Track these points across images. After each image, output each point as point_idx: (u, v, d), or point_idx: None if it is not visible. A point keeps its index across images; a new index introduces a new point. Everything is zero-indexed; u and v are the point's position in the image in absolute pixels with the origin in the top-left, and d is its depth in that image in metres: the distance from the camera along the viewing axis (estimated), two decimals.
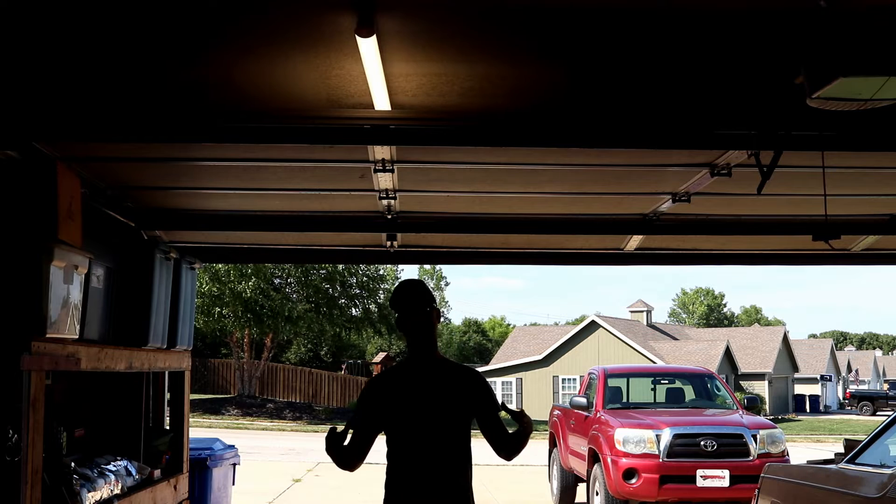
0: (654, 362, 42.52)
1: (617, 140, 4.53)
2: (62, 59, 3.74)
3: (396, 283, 3.87)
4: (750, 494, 8.39)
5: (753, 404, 12.68)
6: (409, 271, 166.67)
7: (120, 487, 5.77)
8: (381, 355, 53.29)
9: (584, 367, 39.30)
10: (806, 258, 8.01)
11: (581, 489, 12.69)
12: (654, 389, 14.22)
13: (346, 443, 3.78)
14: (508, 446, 3.87)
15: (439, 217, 6.57)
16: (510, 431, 3.89)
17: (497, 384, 47.55)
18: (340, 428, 3.82)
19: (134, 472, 6.15)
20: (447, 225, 6.66)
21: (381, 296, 39.16)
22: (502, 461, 4.12)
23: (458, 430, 3.78)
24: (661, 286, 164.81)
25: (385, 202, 5.95)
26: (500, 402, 3.88)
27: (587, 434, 11.48)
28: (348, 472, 3.90)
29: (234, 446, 9.15)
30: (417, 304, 3.82)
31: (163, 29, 3.50)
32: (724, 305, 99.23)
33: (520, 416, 3.88)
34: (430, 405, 3.75)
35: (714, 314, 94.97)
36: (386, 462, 3.81)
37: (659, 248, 7.57)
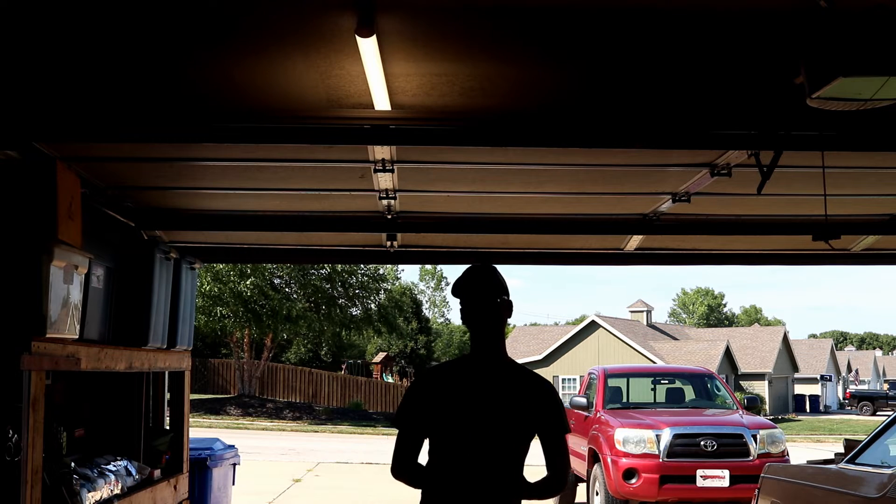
0: (654, 362, 42.53)
1: (617, 140, 4.53)
2: (62, 59, 3.74)
3: (465, 269, 3.50)
4: (750, 494, 8.39)
5: (753, 404, 12.69)
6: (409, 271, 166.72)
7: (120, 487, 5.77)
8: (381, 355, 53.36)
9: (584, 367, 39.32)
10: (806, 258, 8.01)
11: (581, 489, 12.69)
12: (654, 389, 14.24)
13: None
14: (554, 472, 3.36)
15: (439, 217, 6.56)
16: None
17: None
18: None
19: (134, 472, 6.15)
20: (447, 225, 6.66)
21: (382, 295, 39.19)
22: None
23: (514, 446, 3.28)
24: (661, 286, 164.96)
25: (385, 202, 5.95)
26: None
27: (587, 434, 11.48)
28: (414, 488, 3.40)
29: (234, 446, 9.15)
30: (484, 293, 3.34)
31: (163, 29, 3.50)
32: (724, 305, 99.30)
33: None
34: (486, 412, 3.25)
35: (714, 314, 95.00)
36: (427, 464, 3.38)
37: (659, 248, 7.57)
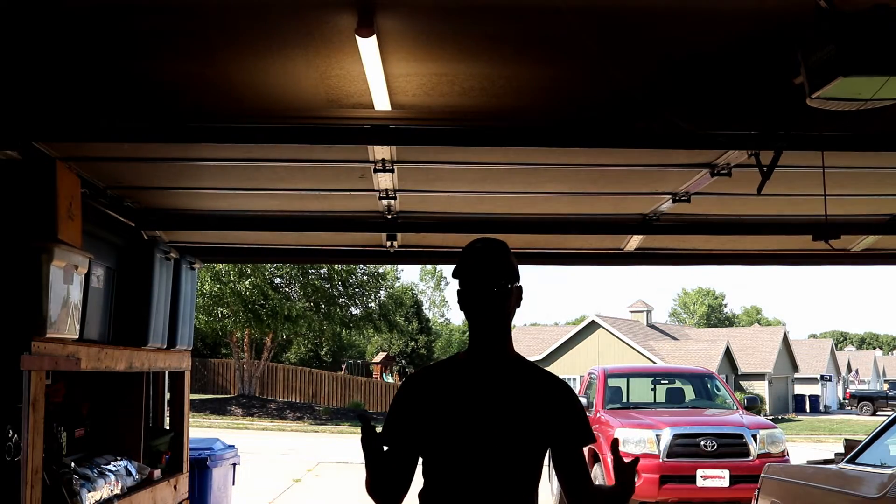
0: (654, 362, 42.53)
1: (617, 140, 4.53)
2: (62, 59, 3.74)
3: (469, 244, 2.78)
4: (750, 494, 8.39)
5: (753, 404, 12.72)
6: (409, 271, 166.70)
7: (120, 487, 5.77)
8: (382, 355, 53.33)
9: (584, 367, 39.30)
10: (806, 258, 8.00)
11: None
12: (654, 389, 14.26)
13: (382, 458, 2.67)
14: (587, 499, 2.73)
15: (439, 217, 6.56)
16: (597, 483, 2.82)
17: None
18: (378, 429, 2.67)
19: (134, 472, 6.15)
20: (447, 225, 6.66)
21: (382, 293, 39.25)
22: None
23: (527, 463, 2.67)
24: (661, 286, 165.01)
25: (385, 202, 5.95)
26: (615, 442, 2.73)
27: None
28: None
29: (234, 446, 9.15)
30: (492, 276, 2.68)
31: (163, 29, 3.50)
32: (725, 305, 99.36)
33: (626, 472, 2.68)
34: (491, 423, 2.63)
35: (714, 314, 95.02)
36: (422, 485, 2.75)
37: (659, 248, 7.57)
